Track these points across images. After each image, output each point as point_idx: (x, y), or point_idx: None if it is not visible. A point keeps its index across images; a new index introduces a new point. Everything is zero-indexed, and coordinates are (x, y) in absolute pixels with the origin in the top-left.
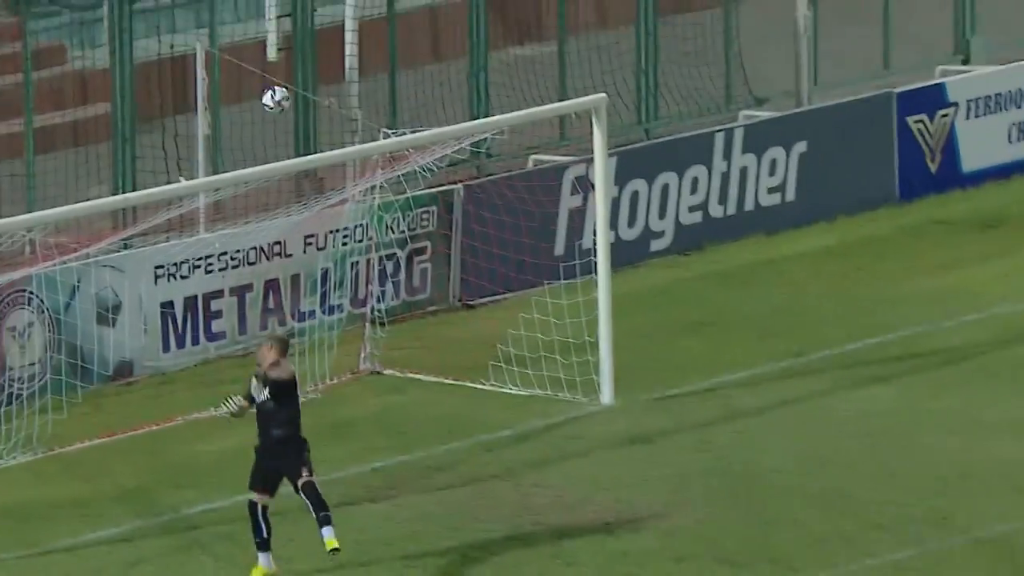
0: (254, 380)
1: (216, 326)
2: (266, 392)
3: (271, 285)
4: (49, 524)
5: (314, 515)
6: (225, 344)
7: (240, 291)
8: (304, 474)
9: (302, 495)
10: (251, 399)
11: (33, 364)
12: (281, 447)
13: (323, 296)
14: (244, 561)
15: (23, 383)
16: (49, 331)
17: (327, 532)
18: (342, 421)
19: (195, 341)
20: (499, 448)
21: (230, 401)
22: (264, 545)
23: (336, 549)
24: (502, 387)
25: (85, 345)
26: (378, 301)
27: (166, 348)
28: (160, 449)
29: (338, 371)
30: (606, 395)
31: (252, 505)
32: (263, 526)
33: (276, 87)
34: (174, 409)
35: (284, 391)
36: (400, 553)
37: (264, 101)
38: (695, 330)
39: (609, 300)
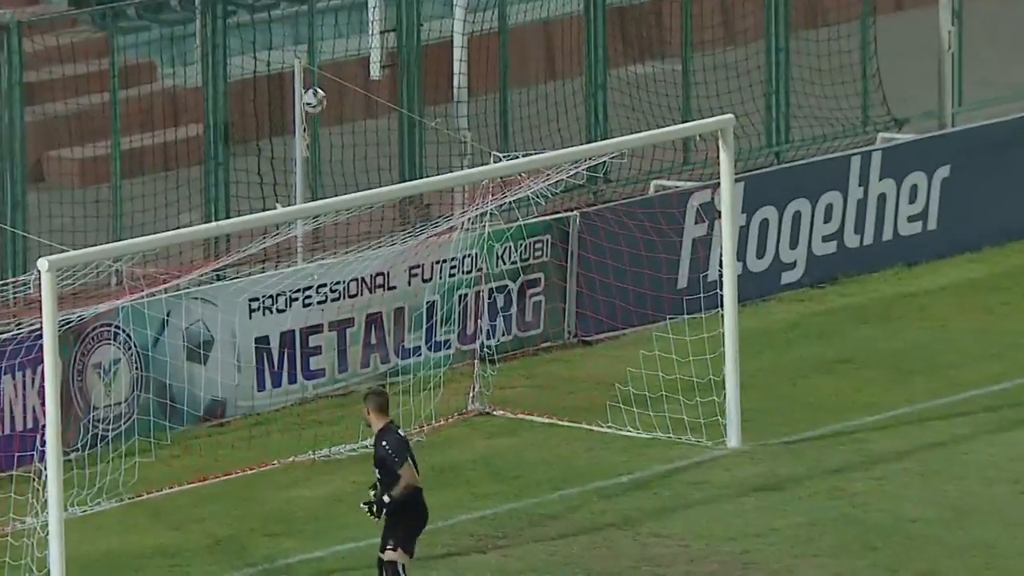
0: None
1: (314, 363)
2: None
3: (373, 319)
4: (136, 575)
5: None
6: (324, 383)
7: (340, 326)
8: (387, 548)
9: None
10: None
11: (119, 404)
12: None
13: (429, 331)
14: None
15: (109, 424)
16: (136, 368)
17: None
18: (448, 465)
19: (292, 379)
20: (617, 495)
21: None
22: None
23: None
24: (620, 429)
25: (175, 383)
26: (488, 337)
27: (261, 387)
28: (254, 495)
29: (444, 412)
30: (732, 438)
31: (397, 567)
32: None
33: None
34: (269, 452)
35: (380, 463)
36: None
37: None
38: (829, 369)
39: (736, 336)
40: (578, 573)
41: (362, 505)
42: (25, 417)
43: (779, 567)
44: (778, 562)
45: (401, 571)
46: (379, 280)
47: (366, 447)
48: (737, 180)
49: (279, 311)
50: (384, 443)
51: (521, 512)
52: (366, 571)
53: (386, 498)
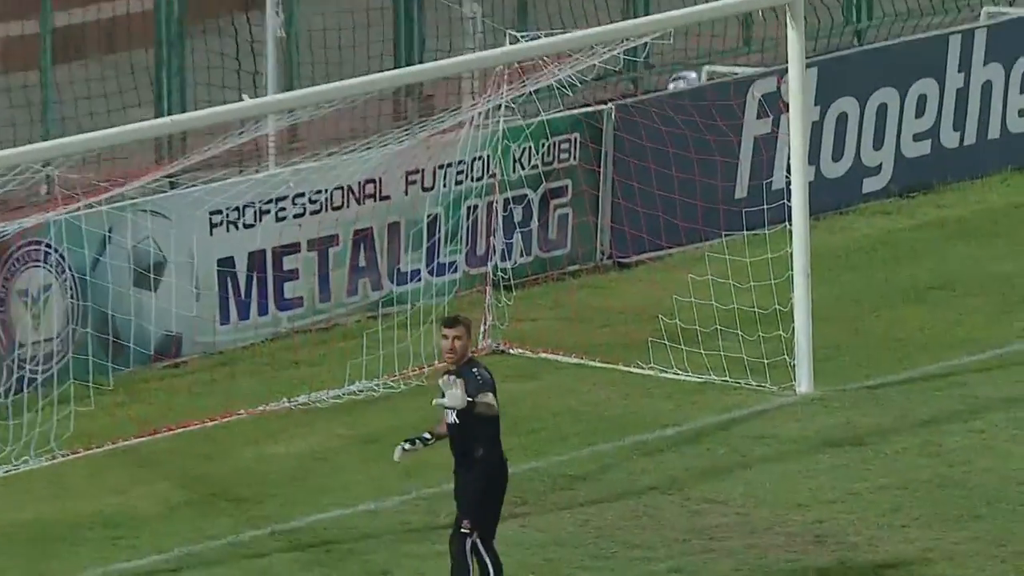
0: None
1: (289, 290)
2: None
3: (362, 237)
4: (72, 548)
5: None
6: (301, 314)
7: (321, 244)
8: (463, 523)
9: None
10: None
11: (51, 340)
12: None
13: (430, 252)
14: None
15: (38, 364)
16: (72, 296)
17: None
18: None
19: (262, 310)
20: (661, 452)
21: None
22: None
23: None
24: (665, 371)
25: (119, 315)
26: (503, 258)
27: (224, 319)
28: (217, 452)
29: None
30: (803, 382)
31: (465, 544)
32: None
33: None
34: (235, 400)
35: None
36: None
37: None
38: (921, 297)
39: (807, 257)
40: (614, 547)
41: (403, 445)
42: None
43: (859, 540)
44: (858, 534)
45: (467, 549)
46: (369, 189)
47: (353, 393)
48: (808, 65)
49: (247, 227)
50: (475, 370)
51: (544, 472)
52: (352, 544)
53: (468, 399)
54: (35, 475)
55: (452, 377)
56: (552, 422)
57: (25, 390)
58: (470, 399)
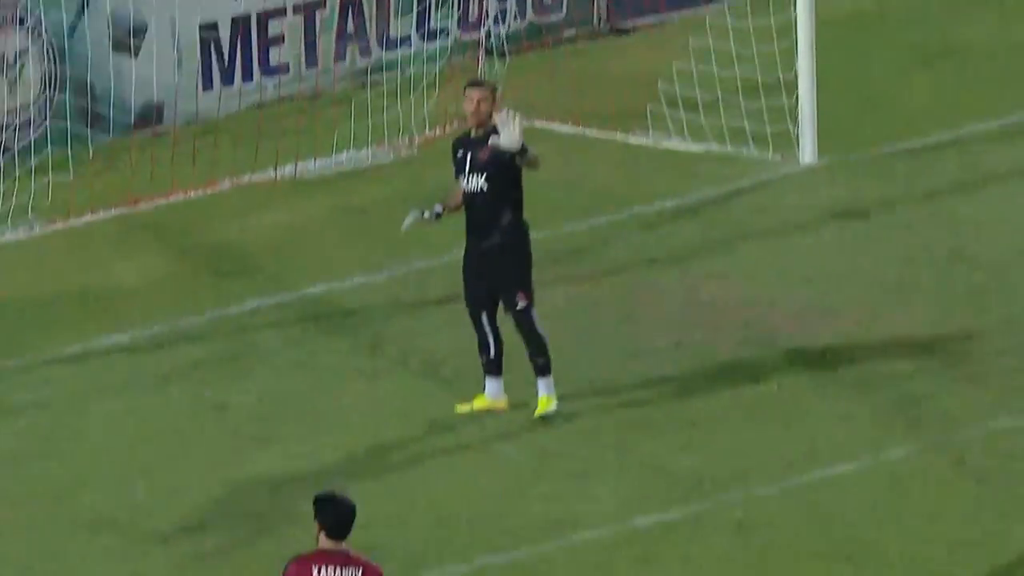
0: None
1: (275, 56)
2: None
3: (350, 0)
4: (52, 324)
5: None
6: (287, 81)
7: (307, 9)
8: (518, 299)
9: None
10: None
11: (27, 107)
12: (486, 253)
13: (421, 16)
14: (312, 375)
15: (15, 133)
16: (48, 62)
17: (540, 387)
18: (445, 188)
19: (247, 77)
20: (660, 224)
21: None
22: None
23: (545, 416)
24: (664, 141)
25: (98, 82)
26: (495, 23)
27: (207, 86)
28: (200, 224)
29: (440, 119)
30: (807, 151)
31: (532, 315)
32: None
33: None
34: (218, 169)
35: (504, 154)
36: (522, 363)
37: None
38: (929, 62)
39: (812, 21)
40: (609, 323)
41: (420, 214)
42: None
43: (864, 314)
44: (863, 307)
45: (535, 320)
46: None
47: (341, 163)
48: None
49: None
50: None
51: (538, 246)
52: (340, 319)
53: (524, 147)
54: (12, 248)
55: (511, 111)
56: (547, 194)
57: (1, 159)
58: (525, 150)
